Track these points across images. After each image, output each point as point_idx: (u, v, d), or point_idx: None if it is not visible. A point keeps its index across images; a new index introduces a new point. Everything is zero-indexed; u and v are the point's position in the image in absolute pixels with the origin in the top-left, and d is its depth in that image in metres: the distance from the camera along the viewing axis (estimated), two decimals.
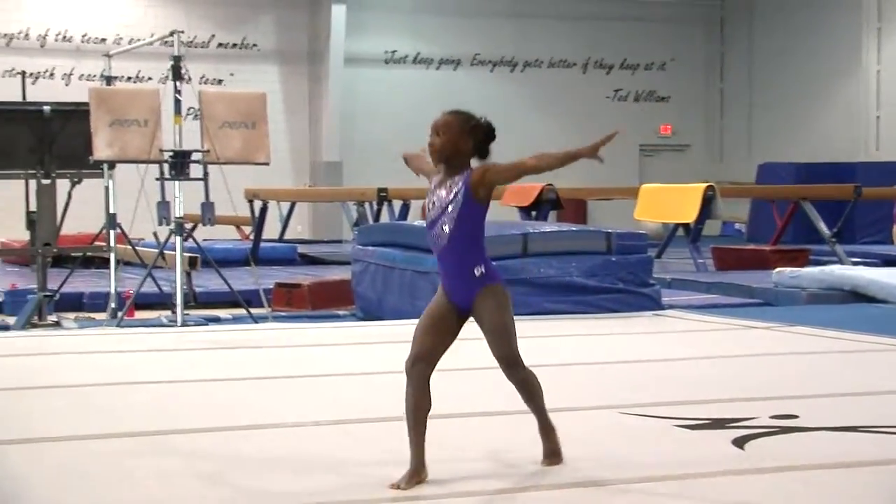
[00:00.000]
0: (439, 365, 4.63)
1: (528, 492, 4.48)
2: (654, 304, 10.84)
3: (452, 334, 4.65)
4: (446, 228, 4.54)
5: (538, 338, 9.10)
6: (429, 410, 4.54)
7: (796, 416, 5.83)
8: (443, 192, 4.57)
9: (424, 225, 4.66)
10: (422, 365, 4.56)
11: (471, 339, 4.89)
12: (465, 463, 4.87)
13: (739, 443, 5.31)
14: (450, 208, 4.54)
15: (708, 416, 5.86)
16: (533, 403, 4.78)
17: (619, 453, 5.12)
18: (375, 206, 17.75)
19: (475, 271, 4.58)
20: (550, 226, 12.69)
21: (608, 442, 5.35)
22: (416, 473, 4.47)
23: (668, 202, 16.13)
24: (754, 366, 7.80)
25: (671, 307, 11.03)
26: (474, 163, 4.61)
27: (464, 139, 4.60)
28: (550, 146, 21.13)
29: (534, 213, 17.17)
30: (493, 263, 4.65)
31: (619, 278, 10.78)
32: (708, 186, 15.74)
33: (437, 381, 4.62)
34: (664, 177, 21.78)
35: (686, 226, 15.93)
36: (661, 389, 6.73)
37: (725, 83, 28.07)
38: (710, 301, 11.95)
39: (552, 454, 4.80)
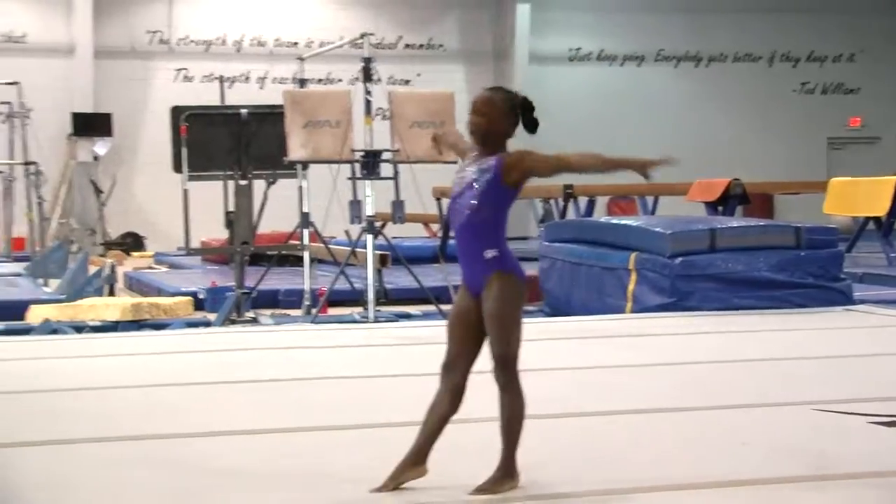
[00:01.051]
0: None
1: (727, 487, 4.41)
2: (846, 299, 10.57)
3: (476, 329, 4.34)
4: (467, 206, 4.24)
5: (727, 333, 8.99)
6: (445, 416, 4.39)
7: None
8: (473, 169, 4.27)
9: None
10: (451, 374, 4.42)
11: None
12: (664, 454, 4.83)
13: None
14: (475, 186, 4.23)
15: None
16: (506, 426, 4.32)
17: (813, 450, 5.01)
18: (562, 203, 17.71)
19: (487, 253, 4.24)
20: (738, 221, 12.49)
21: (802, 439, 5.24)
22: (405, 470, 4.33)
23: (858, 196, 15.72)
24: None
25: (862, 302, 10.74)
26: (513, 142, 4.33)
27: (507, 118, 4.27)
28: (734, 141, 20.73)
29: (720, 208, 16.93)
30: (516, 256, 4.32)
31: (808, 273, 10.52)
32: None
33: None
34: (853, 170, 21.24)
35: (877, 219, 15.51)
36: (854, 386, 6.56)
37: None
38: None
39: (480, 491, 4.28)
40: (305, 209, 11.81)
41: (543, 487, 4.42)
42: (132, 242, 23.62)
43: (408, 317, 11.14)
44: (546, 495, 4.35)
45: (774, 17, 26.51)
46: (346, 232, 12.06)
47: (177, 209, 11.68)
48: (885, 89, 27.29)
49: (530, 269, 12.81)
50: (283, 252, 13.99)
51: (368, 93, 10.76)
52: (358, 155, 10.77)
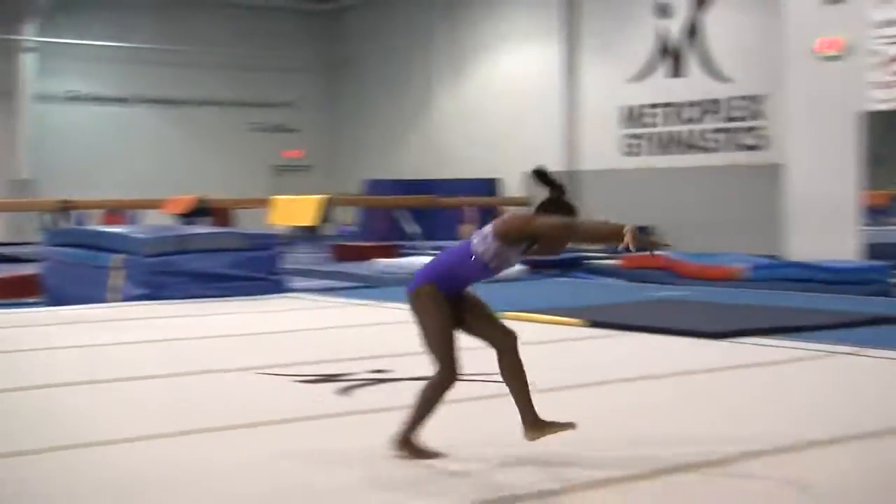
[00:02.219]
0: None
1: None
2: (281, 288, 10.87)
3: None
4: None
5: (192, 317, 8.95)
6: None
7: (391, 371, 5.95)
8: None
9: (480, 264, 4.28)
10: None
11: None
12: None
13: (344, 392, 5.39)
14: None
15: (322, 373, 5.90)
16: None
17: (251, 405, 5.10)
18: (60, 215, 17.00)
19: None
20: (204, 228, 12.51)
21: (246, 395, 5.31)
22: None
23: (295, 209, 16.16)
24: (359, 333, 7.89)
25: (297, 290, 11.05)
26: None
27: None
28: (202, 169, 20.48)
29: (192, 219, 16.85)
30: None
31: (255, 269, 10.75)
32: (326, 197, 15.86)
33: None
34: (293, 191, 21.73)
35: (310, 228, 16.01)
36: (285, 354, 6.70)
37: (342, 117, 28.25)
38: (328, 285, 12.03)
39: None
40: None
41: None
42: None
43: None
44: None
45: (229, 72, 26.61)
46: None
47: None
48: (315, 129, 28.14)
49: (33, 269, 12.20)
50: None
51: None
52: None
